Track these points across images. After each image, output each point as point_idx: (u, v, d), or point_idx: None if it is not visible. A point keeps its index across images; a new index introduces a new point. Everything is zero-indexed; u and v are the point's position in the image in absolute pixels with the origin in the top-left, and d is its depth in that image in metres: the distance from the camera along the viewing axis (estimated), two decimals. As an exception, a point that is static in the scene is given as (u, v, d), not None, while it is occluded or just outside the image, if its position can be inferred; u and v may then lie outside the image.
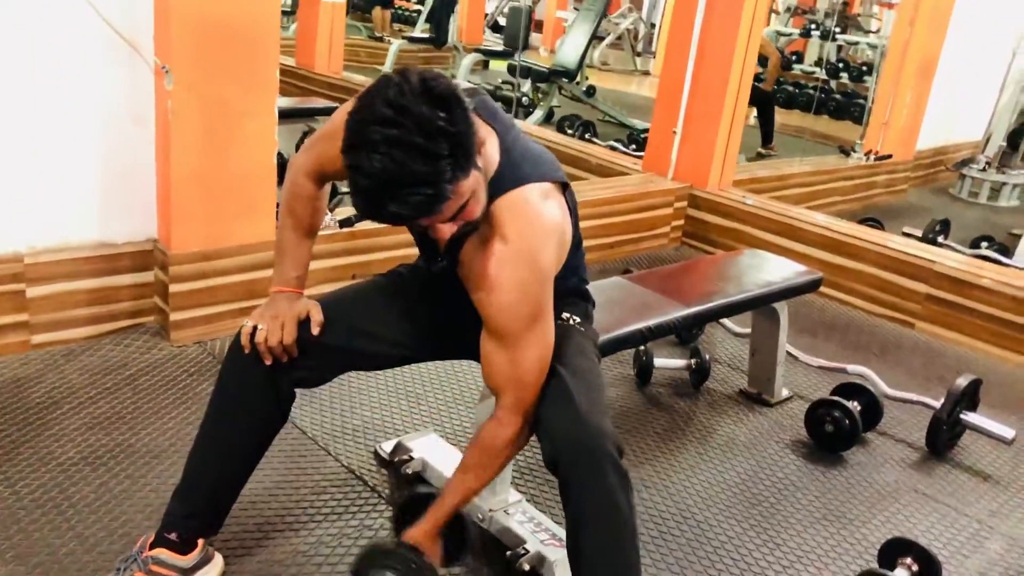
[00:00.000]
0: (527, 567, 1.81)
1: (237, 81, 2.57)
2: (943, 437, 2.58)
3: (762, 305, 2.58)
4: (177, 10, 2.39)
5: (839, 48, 9.96)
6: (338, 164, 1.60)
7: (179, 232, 2.59)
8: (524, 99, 7.36)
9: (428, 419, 2.45)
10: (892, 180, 6.10)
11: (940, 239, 4.70)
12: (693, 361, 2.85)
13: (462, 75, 7.42)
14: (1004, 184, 6.33)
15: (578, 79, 7.48)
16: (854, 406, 2.57)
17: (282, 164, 2.39)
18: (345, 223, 3.06)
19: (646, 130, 6.39)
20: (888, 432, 2.71)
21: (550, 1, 13.44)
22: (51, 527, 1.83)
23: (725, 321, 3.32)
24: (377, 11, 10.67)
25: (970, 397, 2.66)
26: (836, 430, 2.53)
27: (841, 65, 9.61)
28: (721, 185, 4.44)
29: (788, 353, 3.01)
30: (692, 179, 4.39)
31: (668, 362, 2.88)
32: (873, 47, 8.25)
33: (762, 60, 6.23)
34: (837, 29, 8.64)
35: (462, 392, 2.62)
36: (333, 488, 2.08)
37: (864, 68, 9.17)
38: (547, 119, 7.19)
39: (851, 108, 8.33)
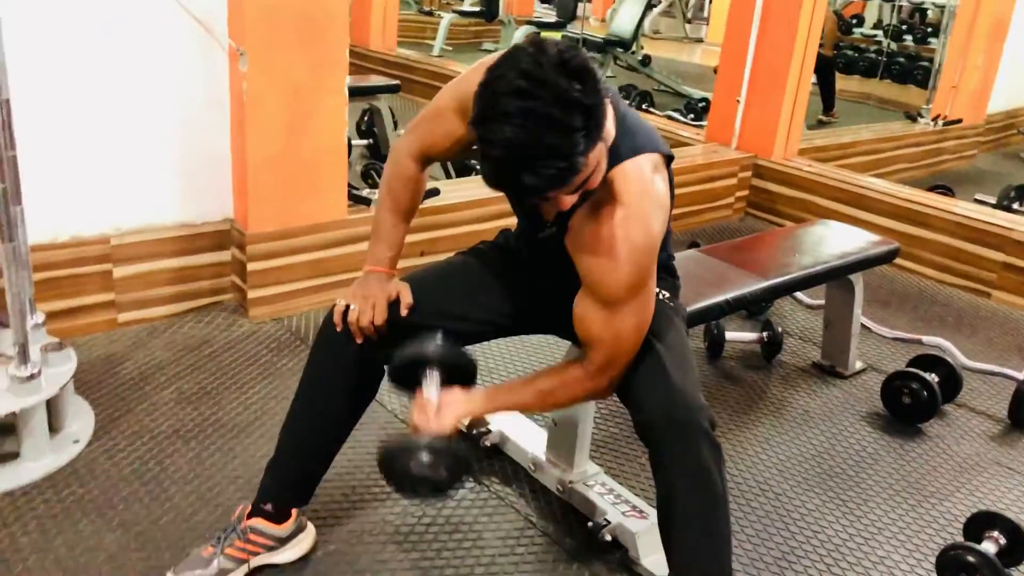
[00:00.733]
0: (609, 538, 1.84)
1: (308, 61, 2.60)
2: (1027, 409, 2.53)
3: (838, 277, 2.55)
4: (251, -8, 2.43)
5: (898, 9, 9.64)
6: (441, 145, 1.63)
7: (255, 212, 2.64)
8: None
9: (502, 393, 2.48)
10: (961, 145, 5.93)
11: (1016, 205, 4.56)
12: (765, 334, 2.83)
13: (514, 48, 7.38)
14: (1080, 147, 6.11)
15: (633, 48, 7.39)
16: (932, 378, 2.53)
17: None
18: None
19: (703, 99, 6.31)
20: (967, 404, 2.66)
21: (600, -30, 13.24)
22: (150, 497, 1.91)
23: (797, 293, 3.28)
24: (427, -15, 10.64)
25: (1054, 368, 2.59)
26: (914, 402, 2.50)
27: (905, 27, 9.30)
28: (787, 154, 4.36)
29: (862, 325, 2.97)
30: (756, 149, 4.32)
31: (739, 335, 2.86)
32: (940, 7, 7.97)
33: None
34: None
35: (536, 366, 2.65)
36: (414, 460, 2.13)
37: (929, 29, 8.86)
38: (602, 90, 7.12)
39: (915, 72, 8.07)
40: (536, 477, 2.06)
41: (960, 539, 1.97)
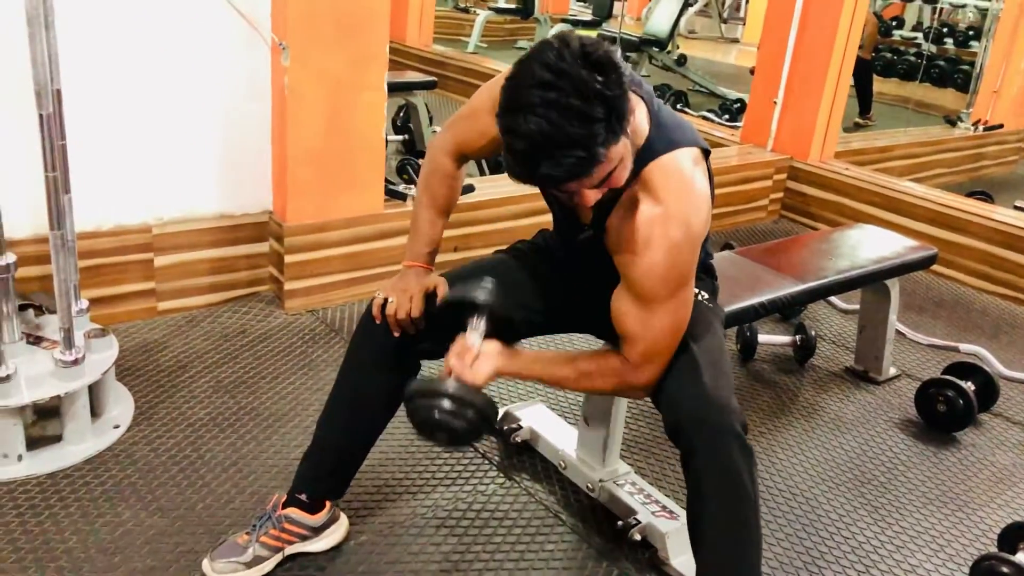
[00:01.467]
0: (638, 537, 1.84)
1: (349, 56, 2.63)
2: (1064, 420, 2.50)
3: (875, 281, 2.52)
4: (294, -12, 2.46)
5: (939, 11, 9.49)
6: (477, 143, 1.65)
7: (294, 204, 2.68)
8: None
9: (533, 389, 2.49)
10: (1002, 151, 5.84)
11: (1056, 214, 4.48)
12: (798, 337, 2.81)
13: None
14: (1125, 155, 5.98)
15: (669, 48, 7.35)
16: (968, 386, 2.50)
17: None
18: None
19: (738, 100, 6.27)
20: (1004, 414, 2.63)
21: (636, -32, 13.18)
22: (188, 483, 1.94)
23: (831, 297, 3.26)
24: (463, -19, 10.65)
25: (1094, 379, 2.55)
26: (949, 410, 2.47)
27: (946, 30, 9.16)
28: (823, 157, 4.32)
29: (896, 331, 2.94)
30: (792, 151, 4.29)
31: (772, 338, 2.85)
32: (983, 11, 7.83)
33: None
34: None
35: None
36: (445, 454, 2.14)
37: (971, 32, 8.72)
38: (636, 89, 7.09)
39: (955, 75, 7.94)
40: (566, 475, 2.07)
41: (995, 550, 1.95)
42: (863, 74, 6.50)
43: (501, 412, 2.25)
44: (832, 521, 2.07)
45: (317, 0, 2.51)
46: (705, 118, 5.71)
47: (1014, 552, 1.88)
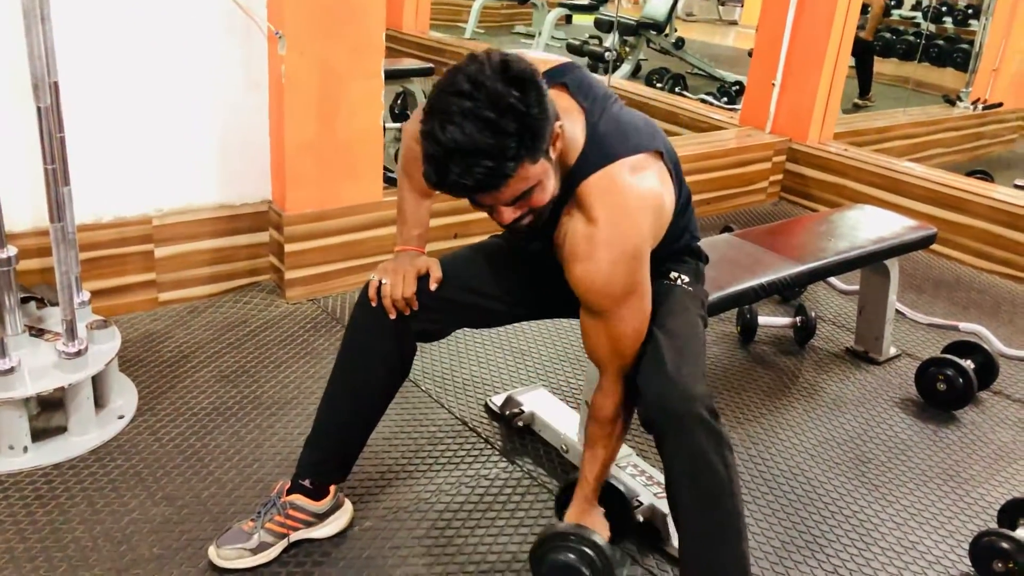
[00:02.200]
0: (641, 519, 1.85)
1: (346, 45, 2.63)
2: (1064, 397, 2.51)
3: (874, 262, 2.53)
4: (289, -24, 2.46)
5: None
6: None
7: (293, 193, 2.68)
8: (607, 54, 7.24)
9: (535, 374, 2.50)
10: (1001, 130, 5.82)
11: (1056, 192, 4.48)
12: (798, 319, 2.82)
13: (546, 31, 7.34)
14: (1125, 132, 5.97)
15: (667, 31, 7.32)
16: (968, 364, 2.51)
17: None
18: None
19: (737, 82, 6.26)
20: (1004, 392, 2.64)
21: (633, -49, 13.10)
22: (192, 472, 1.96)
23: (831, 278, 3.26)
24: (459, -33, 10.59)
25: (1094, 356, 2.56)
26: (949, 389, 2.48)
27: (944, 8, 9.11)
28: (822, 138, 4.32)
29: (896, 311, 2.95)
30: (791, 132, 4.28)
31: (772, 320, 2.85)
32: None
33: (863, 7, 5.97)
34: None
35: (566, 349, 2.67)
36: (448, 439, 2.16)
37: (970, 11, 8.68)
38: (635, 73, 7.08)
39: (954, 55, 7.91)
40: (568, 459, 2.09)
41: (994, 526, 1.97)
42: (865, 55, 6.48)
43: (503, 397, 2.27)
44: (833, 500, 2.08)
45: (312, -12, 2.51)
46: (704, 101, 5.70)
47: (1014, 528, 1.89)
